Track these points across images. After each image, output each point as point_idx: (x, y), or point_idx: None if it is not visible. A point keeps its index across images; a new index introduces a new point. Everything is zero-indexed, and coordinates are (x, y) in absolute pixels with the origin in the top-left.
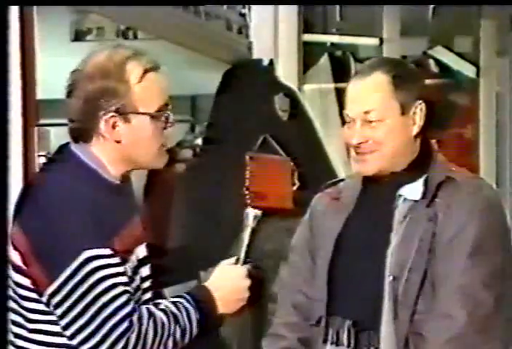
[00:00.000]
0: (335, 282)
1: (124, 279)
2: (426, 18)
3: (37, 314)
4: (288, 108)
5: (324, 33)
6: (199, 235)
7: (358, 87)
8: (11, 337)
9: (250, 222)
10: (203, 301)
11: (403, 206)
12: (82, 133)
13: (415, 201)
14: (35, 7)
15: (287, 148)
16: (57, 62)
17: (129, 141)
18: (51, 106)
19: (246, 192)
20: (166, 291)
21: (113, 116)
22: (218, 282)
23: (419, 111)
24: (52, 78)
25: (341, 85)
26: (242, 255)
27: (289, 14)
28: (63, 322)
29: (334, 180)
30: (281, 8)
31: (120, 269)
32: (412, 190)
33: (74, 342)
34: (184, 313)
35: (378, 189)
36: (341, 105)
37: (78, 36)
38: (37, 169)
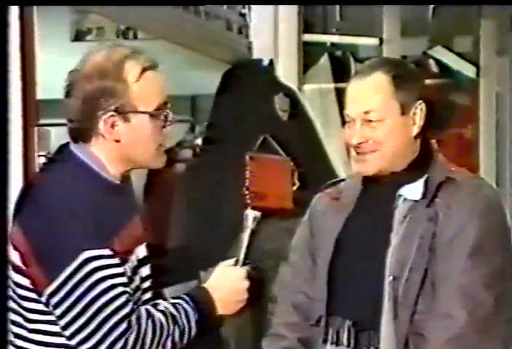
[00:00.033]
0: (335, 282)
1: (123, 280)
2: (426, 18)
3: (36, 314)
4: (288, 108)
5: (324, 33)
6: (199, 235)
7: (358, 87)
8: (11, 337)
9: (250, 224)
10: (202, 302)
11: (403, 206)
12: (81, 133)
13: (415, 201)
14: (35, 7)
15: (287, 148)
16: (57, 62)
17: (128, 140)
18: (51, 106)
19: (246, 192)
20: (166, 291)
21: (112, 116)
22: (217, 283)
23: (419, 111)
24: (52, 78)
25: (341, 85)
26: (241, 256)
27: (289, 14)
28: (62, 322)
29: (334, 180)
30: (281, 8)
31: (119, 269)
32: (412, 190)
33: (73, 342)
34: (183, 314)
35: (378, 189)
36: (341, 105)
37: (78, 36)
38: (37, 169)
